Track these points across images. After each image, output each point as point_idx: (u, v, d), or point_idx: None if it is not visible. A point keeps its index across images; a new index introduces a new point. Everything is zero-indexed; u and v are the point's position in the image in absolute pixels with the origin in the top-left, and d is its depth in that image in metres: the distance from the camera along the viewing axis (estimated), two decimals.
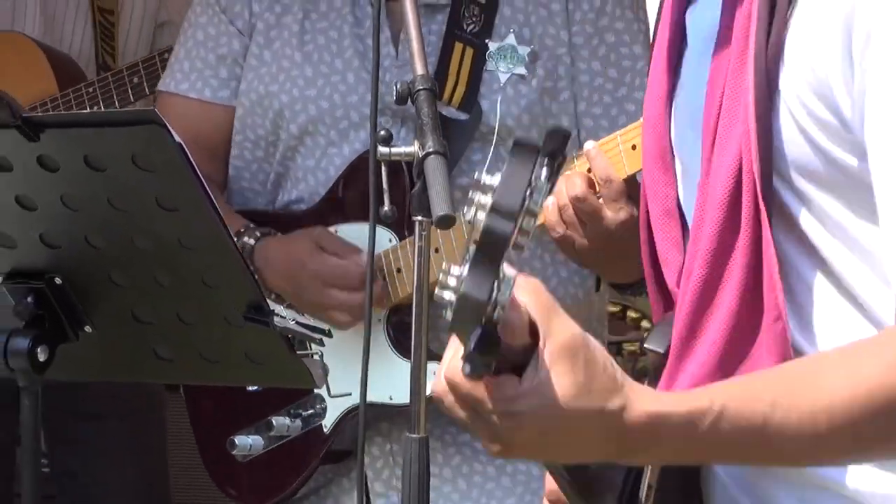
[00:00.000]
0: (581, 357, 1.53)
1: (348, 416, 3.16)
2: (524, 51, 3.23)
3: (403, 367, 2.89)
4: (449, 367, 1.54)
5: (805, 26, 1.78)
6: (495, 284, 1.41)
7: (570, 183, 2.68)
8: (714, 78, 1.90)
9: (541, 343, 1.52)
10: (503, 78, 3.21)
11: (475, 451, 3.28)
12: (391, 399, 3.07)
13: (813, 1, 1.78)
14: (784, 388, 1.67)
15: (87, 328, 2.37)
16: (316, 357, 2.65)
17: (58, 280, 2.33)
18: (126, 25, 4.18)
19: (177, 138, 2.20)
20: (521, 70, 3.23)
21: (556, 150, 1.42)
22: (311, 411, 3.24)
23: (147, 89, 3.97)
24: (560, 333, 1.54)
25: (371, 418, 3.09)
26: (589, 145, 2.73)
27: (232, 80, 3.46)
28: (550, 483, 2.04)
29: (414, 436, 2.59)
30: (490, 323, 1.44)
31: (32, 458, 2.40)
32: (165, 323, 2.42)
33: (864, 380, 1.64)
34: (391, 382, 2.98)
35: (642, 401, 1.58)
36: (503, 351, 1.50)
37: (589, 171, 2.74)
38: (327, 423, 3.26)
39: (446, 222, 2.43)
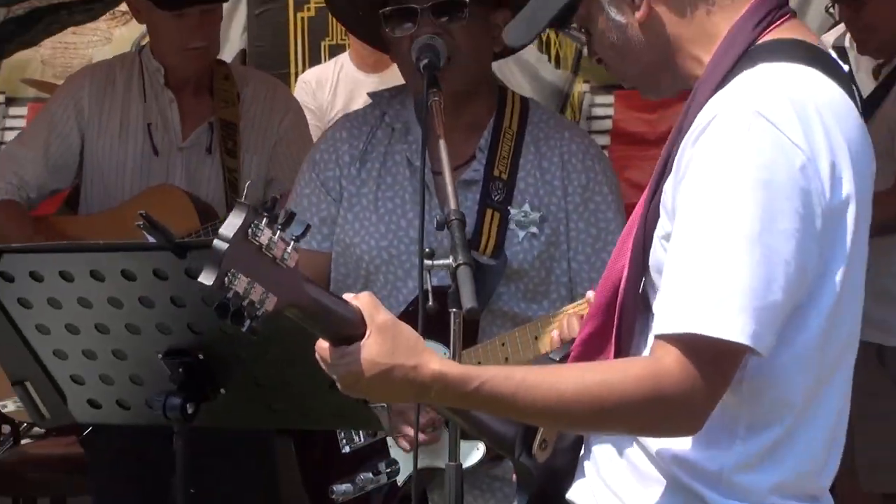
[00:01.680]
0: (390, 333, 2.10)
1: (419, 473, 3.14)
2: (536, 215, 3.56)
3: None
4: (318, 343, 2.13)
5: (667, 186, 2.18)
6: (222, 277, 1.94)
7: (570, 322, 2.86)
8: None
9: (368, 325, 2.08)
10: (521, 235, 3.57)
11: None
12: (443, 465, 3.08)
13: (676, 166, 2.16)
14: (537, 378, 2.15)
15: (222, 391, 2.64)
16: (384, 409, 2.91)
17: (200, 356, 2.60)
18: (246, 180, 4.29)
19: None
20: (534, 229, 3.55)
21: (267, 207, 2.00)
22: (388, 470, 3.42)
23: None
24: (377, 319, 2.10)
25: (431, 477, 3.34)
26: (590, 294, 2.79)
27: (330, 235, 3.66)
28: None
29: (451, 464, 2.87)
30: (224, 301, 1.96)
31: (184, 484, 2.67)
32: (276, 386, 2.68)
33: (579, 385, 2.13)
34: (444, 451, 3.02)
35: (433, 363, 2.10)
36: (334, 328, 2.10)
37: None
38: (401, 478, 3.43)
39: (473, 313, 2.81)
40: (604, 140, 6.94)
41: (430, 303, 2.95)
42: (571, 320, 2.90)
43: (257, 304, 1.99)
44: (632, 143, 6.87)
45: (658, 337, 2.11)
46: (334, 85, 6.58)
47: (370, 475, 3.42)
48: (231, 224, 1.98)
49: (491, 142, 3.53)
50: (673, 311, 2.08)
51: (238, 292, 1.97)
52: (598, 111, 7.36)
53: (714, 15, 2.29)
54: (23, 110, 7.78)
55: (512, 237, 3.52)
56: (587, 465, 2.36)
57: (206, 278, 1.95)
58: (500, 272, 3.45)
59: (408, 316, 3.22)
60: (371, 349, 2.09)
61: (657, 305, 2.16)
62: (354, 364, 2.09)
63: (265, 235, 2.02)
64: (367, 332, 2.09)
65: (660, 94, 2.42)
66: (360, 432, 3.57)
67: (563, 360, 2.46)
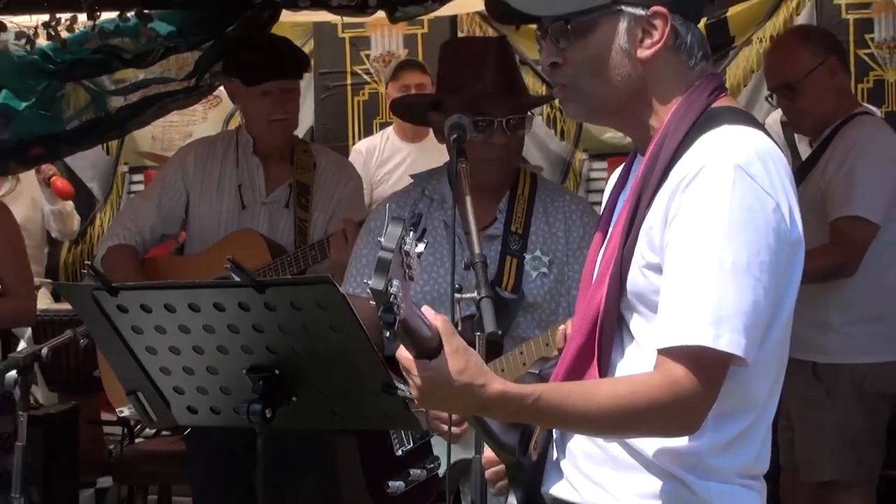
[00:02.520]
0: (463, 356, 2.01)
1: (453, 466, 3.20)
2: (546, 259, 3.56)
3: None
4: (400, 352, 2.03)
5: (652, 217, 2.13)
6: (387, 283, 1.85)
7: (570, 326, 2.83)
8: (593, 247, 2.35)
9: (445, 346, 2.00)
10: (534, 275, 3.56)
11: None
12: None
13: (657, 205, 2.12)
14: (578, 391, 2.11)
15: (294, 398, 2.62)
16: (422, 412, 2.75)
17: (276, 371, 2.58)
18: (313, 230, 4.45)
19: (341, 291, 2.45)
20: (545, 270, 3.57)
21: (413, 221, 1.96)
22: (431, 465, 3.41)
23: (321, 259, 4.21)
24: (453, 342, 2.01)
25: (463, 468, 3.21)
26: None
27: None
28: (489, 452, 2.42)
29: (477, 456, 2.76)
30: (388, 303, 1.87)
31: (264, 475, 2.65)
32: (338, 394, 2.66)
33: (617, 395, 2.08)
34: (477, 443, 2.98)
35: (496, 382, 2.03)
36: (420, 343, 1.99)
37: None
38: (441, 471, 3.41)
39: (493, 336, 2.79)
40: (600, 197, 6.94)
41: (460, 328, 2.85)
42: (568, 324, 2.81)
43: (396, 310, 1.91)
44: None
45: (663, 351, 2.07)
46: (381, 152, 6.66)
47: (418, 471, 3.40)
48: (391, 235, 1.94)
49: (508, 205, 3.57)
50: (679, 328, 2.05)
51: (395, 294, 1.90)
52: (594, 174, 7.45)
53: (678, 81, 2.22)
54: (141, 177, 7.90)
55: (527, 277, 3.54)
56: (563, 464, 2.32)
57: (377, 283, 1.89)
58: (518, 305, 3.45)
59: None
60: (449, 366, 2.01)
61: (660, 323, 2.11)
62: (436, 377, 2.02)
63: (409, 247, 1.99)
64: (447, 352, 2.02)
65: (588, 119, 2.35)
66: (410, 436, 3.55)
67: (542, 373, 2.43)
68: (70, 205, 7.36)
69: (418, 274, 3.54)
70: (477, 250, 2.94)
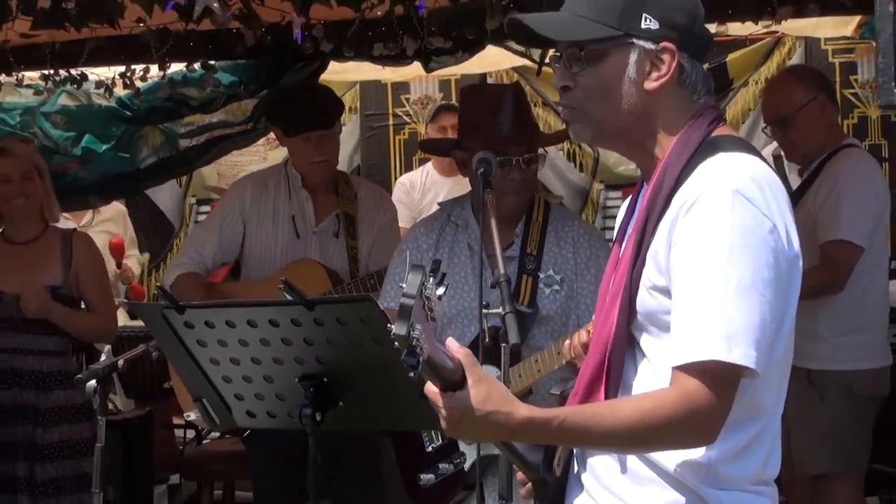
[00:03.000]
0: (486, 386, 1.94)
1: (479, 461, 3.16)
2: (558, 277, 3.55)
3: None
4: (427, 386, 1.97)
5: (657, 242, 2.07)
6: (409, 328, 1.79)
7: (574, 337, 2.86)
8: (606, 271, 2.27)
9: (468, 378, 1.93)
10: (547, 291, 3.54)
11: None
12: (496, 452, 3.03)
13: (661, 230, 2.06)
14: (600, 411, 2.03)
15: (340, 403, 2.60)
16: None
17: (325, 380, 2.57)
18: (364, 257, 4.45)
19: (381, 309, 2.45)
20: (556, 287, 3.55)
21: (433, 268, 1.89)
22: (458, 460, 3.40)
23: (378, 287, 4.07)
24: (476, 373, 1.94)
25: (489, 463, 3.20)
26: (587, 327, 2.78)
27: None
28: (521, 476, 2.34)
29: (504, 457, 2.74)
30: (411, 346, 1.81)
31: (315, 471, 2.65)
32: (379, 400, 2.66)
33: (637, 411, 2.00)
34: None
35: (522, 409, 1.96)
36: (444, 376, 1.92)
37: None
38: (467, 465, 3.40)
39: (516, 347, 2.81)
40: (615, 223, 6.94)
41: (487, 339, 2.98)
42: (574, 336, 2.86)
43: (419, 352, 1.84)
44: None
45: (678, 367, 2.00)
46: (422, 185, 6.65)
47: (446, 465, 3.40)
48: (412, 283, 1.87)
49: (524, 230, 3.56)
50: (692, 345, 1.98)
51: (417, 338, 1.83)
52: (610, 203, 7.45)
53: (682, 113, 2.15)
54: (207, 208, 7.92)
55: (541, 293, 3.52)
56: (585, 478, 2.24)
57: (399, 329, 1.82)
58: (533, 318, 3.43)
59: (472, 348, 3.14)
60: (474, 397, 1.94)
61: (673, 341, 2.03)
62: (461, 408, 1.94)
63: (429, 292, 1.91)
64: (469, 383, 1.94)
65: (591, 141, 2.25)
66: (439, 435, 3.52)
67: (564, 394, 2.35)
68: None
69: (446, 296, 3.55)
70: (502, 270, 2.94)
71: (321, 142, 4.44)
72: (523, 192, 3.52)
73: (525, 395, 3.34)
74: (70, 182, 5.52)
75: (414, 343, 1.83)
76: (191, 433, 6.26)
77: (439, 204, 3.93)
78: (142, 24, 4.02)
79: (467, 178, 3.75)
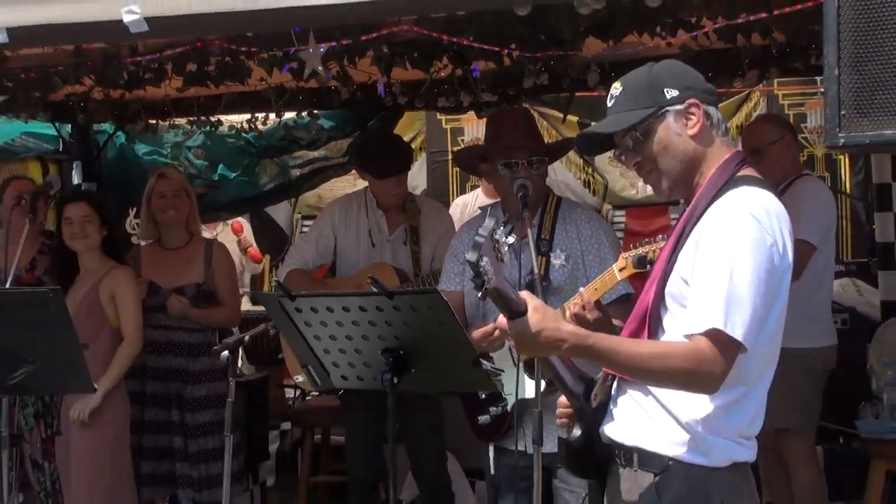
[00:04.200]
0: (541, 311, 2.01)
1: (518, 403, 3.21)
2: (563, 255, 3.38)
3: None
4: (499, 320, 2.04)
5: (688, 247, 2.11)
6: (478, 257, 1.86)
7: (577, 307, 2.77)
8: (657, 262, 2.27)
9: (528, 306, 1.99)
10: (557, 266, 3.37)
11: None
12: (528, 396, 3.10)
13: (692, 238, 2.10)
14: (627, 342, 2.11)
15: (413, 370, 2.61)
16: (501, 379, 2.98)
17: (401, 352, 2.60)
18: (424, 259, 4.34)
19: (444, 298, 2.50)
20: (564, 262, 3.37)
21: (505, 221, 1.90)
22: (503, 404, 3.30)
23: (435, 283, 3.99)
24: (533, 302, 2.01)
25: (525, 406, 3.18)
26: (581, 290, 2.85)
27: (461, 282, 3.52)
28: (563, 400, 2.35)
29: (536, 410, 2.92)
30: (478, 271, 1.87)
31: (393, 422, 2.65)
32: (442, 367, 2.68)
33: (656, 348, 2.07)
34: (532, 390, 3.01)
35: (567, 327, 2.03)
36: (511, 307, 1.98)
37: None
38: (509, 407, 3.30)
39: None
40: (620, 235, 6.93)
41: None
42: (569, 305, 2.85)
43: (486, 278, 1.90)
44: (634, 236, 6.79)
45: (689, 335, 2.03)
46: (472, 205, 6.61)
47: (495, 409, 3.33)
48: (486, 226, 1.93)
49: (540, 220, 3.43)
50: (703, 317, 2.01)
51: (484, 267, 1.88)
52: (616, 220, 7.36)
53: (717, 148, 2.20)
54: (310, 222, 7.83)
55: (552, 269, 3.38)
56: (615, 411, 2.26)
57: (471, 256, 1.88)
58: (547, 288, 3.32)
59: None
60: (531, 320, 2.00)
61: (688, 315, 2.07)
62: (524, 328, 2.00)
63: (499, 237, 1.96)
64: (529, 311, 2.00)
65: (670, 193, 2.24)
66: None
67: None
68: (261, 268, 7.31)
69: (461, 288, 3.46)
70: (535, 268, 2.96)
71: (397, 180, 4.38)
72: (535, 187, 3.37)
73: None
74: (207, 201, 5.58)
75: (481, 269, 1.85)
76: (298, 392, 6.25)
77: (480, 208, 3.91)
78: (264, 83, 4.01)
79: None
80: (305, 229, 7.53)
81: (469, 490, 4.93)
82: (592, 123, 2.43)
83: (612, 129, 2.17)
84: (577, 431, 2.28)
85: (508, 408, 3.28)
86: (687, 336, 2.03)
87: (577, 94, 4.64)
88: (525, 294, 2.03)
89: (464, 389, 3.31)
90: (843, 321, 5.35)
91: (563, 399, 2.34)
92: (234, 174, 5.73)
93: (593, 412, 2.28)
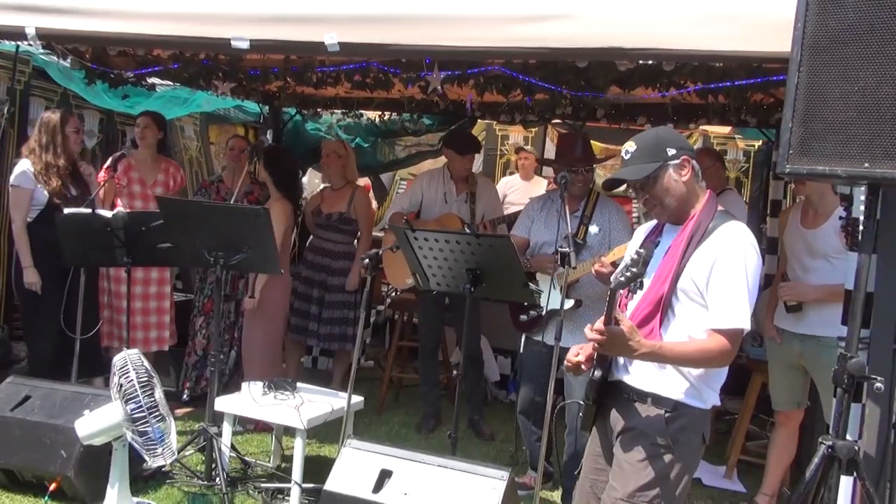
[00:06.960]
0: (629, 328, 1.87)
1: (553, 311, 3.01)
2: (596, 227, 3.20)
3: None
4: (598, 324, 1.85)
5: (697, 260, 1.95)
6: (647, 256, 1.73)
7: (598, 266, 2.65)
8: (663, 262, 2.04)
9: (622, 323, 1.85)
10: (593, 233, 3.18)
11: None
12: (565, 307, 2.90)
13: (701, 254, 1.94)
14: (678, 345, 1.94)
15: (483, 284, 2.51)
16: (539, 295, 2.91)
17: (477, 272, 2.55)
18: (479, 213, 4.07)
19: (511, 242, 2.49)
20: (597, 231, 3.18)
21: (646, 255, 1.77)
22: (539, 308, 3.14)
23: (492, 229, 3.73)
24: (625, 322, 1.88)
25: (553, 314, 2.97)
26: (602, 257, 2.73)
27: (528, 231, 3.35)
28: (587, 348, 2.07)
29: (560, 318, 2.70)
30: (635, 273, 1.73)
31: (466, 317, 2.55)
32: (503, 283, 2.61)
33: (697, 346, 1.92)
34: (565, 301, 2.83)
35: (643, 341, 1.90)
36: (612, 314, 1.81)
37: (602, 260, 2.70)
38: (543, 313, 3.14)
39: (569, 257, 2.65)
40: None
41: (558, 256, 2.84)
42: (597, 261, 2.69)
43: (634, 283, 1.79)
44: None
45: (716, 329, 1.90)
46: (511, 184, 6.47)
47: (533, 312, 3.21)
48: (645, 261, 1.78)
49: (584, 204, 3.27)
50: (730, 317, 1.89)
51: (637, 278, 1.77)
52: None
53: (698, 194, 2.06)
54: (404, 185, 7.78)
55: (589, 234, 3.21)
56: (630, 367, 2.06)
57: (639, 268, 1.77)
58: (583, 246, 3.17)
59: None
60: (623, 330, 1.87)
61: (713, 314, 1.93)
62: (615, 335, 1.87)
63: (639, 270, 1.78)
64: (622, 324, 1.87)
65: (668, 220, 2.10)
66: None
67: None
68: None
69: (544, 229, 3.27)
70: (569, 229, 2.83)
71: (470, 158, 4.26)
72: (585, 184, 3.24)
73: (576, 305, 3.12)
74: None
75: (640, 268, 1.75)
76: (391, 287, 6.21)
77: (547, 191, 3.68)
78: (399, 92, 3.89)
79: (536, 180, 3.52)
80: (400, 189, 7.47)
81: (493, 359, 4.82)
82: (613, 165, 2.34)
83: (634, 178, 2.03)
84: (597, 373, 2.09)
85: (543, 313, 3.13)
86: (714, 329, 1.91)
87: (588, 123, 4.57)
88: (623, 315, 1.89)
89: (516, 300, 3.22)
90: None
91: (575, 349, 2.12)
92: (366, 145, 5.67)
93: (612, 359, 2.11)
